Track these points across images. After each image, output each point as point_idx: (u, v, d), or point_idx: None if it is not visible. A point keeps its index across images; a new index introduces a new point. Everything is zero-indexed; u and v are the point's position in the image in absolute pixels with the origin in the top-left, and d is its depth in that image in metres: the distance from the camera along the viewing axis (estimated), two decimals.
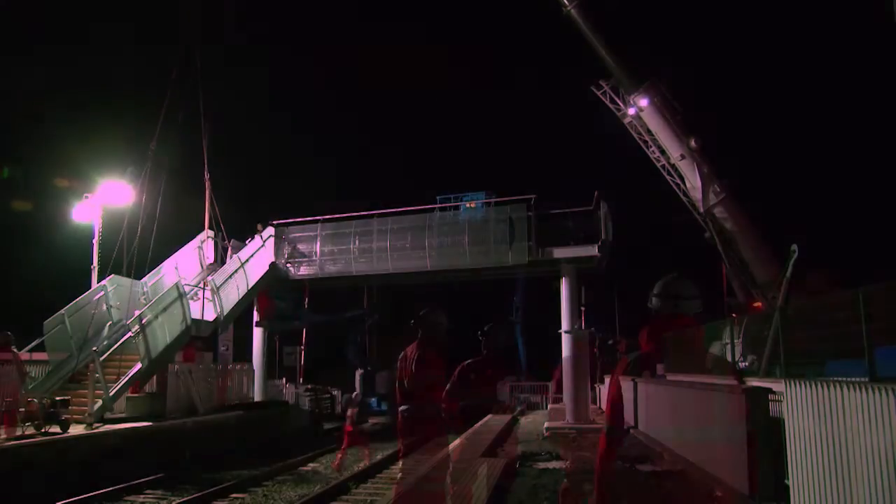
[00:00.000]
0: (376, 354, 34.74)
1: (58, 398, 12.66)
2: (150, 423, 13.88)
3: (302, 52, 74.35)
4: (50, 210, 27.22)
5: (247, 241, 22.00)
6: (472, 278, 22.89)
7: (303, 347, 30.47)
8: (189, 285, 17.90)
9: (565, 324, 19.39)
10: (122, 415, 14.85)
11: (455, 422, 6.44)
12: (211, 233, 21.26)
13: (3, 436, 11.46)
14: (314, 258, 22.08)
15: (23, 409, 12.03)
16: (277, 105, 72.82)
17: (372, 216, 21.67)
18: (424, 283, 24.76)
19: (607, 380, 24.93)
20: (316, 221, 22.28)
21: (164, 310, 15.94)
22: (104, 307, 16.97)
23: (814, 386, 6.50)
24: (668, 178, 22.20)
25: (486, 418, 21.58)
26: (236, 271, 19.80)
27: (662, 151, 21.94)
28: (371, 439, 19.55)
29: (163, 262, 19.45)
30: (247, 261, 20.54)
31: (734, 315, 18.12)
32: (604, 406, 24.67)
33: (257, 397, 21.49)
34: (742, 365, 12.75)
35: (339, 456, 14.11)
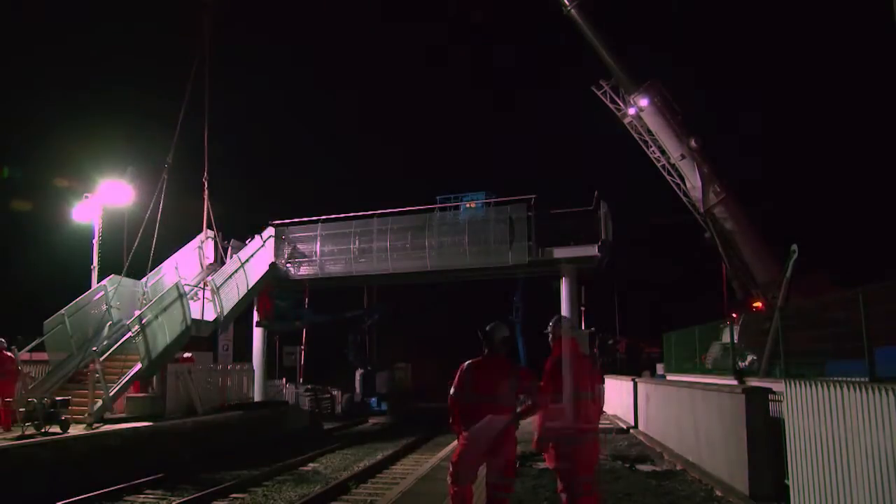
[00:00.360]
0: (376, 354, 34.75)
1: (58, 398, 12.64)
2: (150, 423, 13.87)
3: (302, 51, 74.36)
4: (50, 210, 27.26)
5: (247, 241, 22.00)
6: (472, 278, 22.91)
7: (303, 347, 30.47)
8: (189, 285, 17.89)
9: None
10: (122, 415, 14.84)
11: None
12: (211, 233, 21.25)
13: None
14: (314, 258, 22.08)
15: (22, 410, 12.03)
16: (278, 105, 72.87)
17: (372, 216, 21.68)
18: (424, 283, 24.79)
19: (608, 380, 24.96)
20: (316, 221, 22.29)
21: (164, 310, 15.93)
22: (104, 307, 16.97)
23: (814, 386, 6.50)
24: (668, 178, 22.20)
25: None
26: (236, 271, 19.79)
27: (662, 151, 21.94)
28: (371, 439, 19.58)
29: (163, 262, 19.44)
30: (247, 261, 20.54)
31: (734, 315, 18.14)
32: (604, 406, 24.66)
33: (257, 397, 21.49)
34: (742, 365, 12.77)
35: None
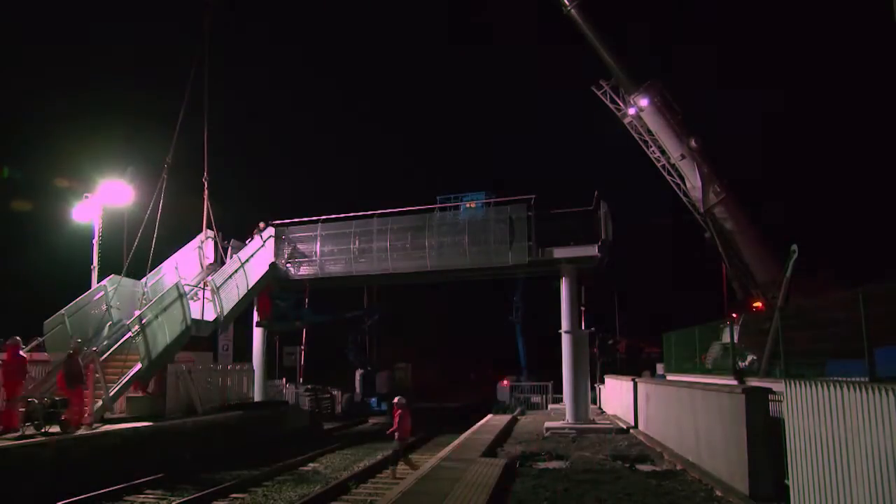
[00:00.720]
0: (376, 354, 34.76)
1: (58, 398, 12.64)
2: (150, 423, 13.87)
3: (302, 51, 74.34)
4: (50, 210, 27.26)
5: (247, 241, 21.99)
6: (472, 278, 22.89)
7: (303, 347, 30.47)
8: (189, 285, 17.88)
9: (565, 324, 19.40)
10: (122, 415, 14.84)
11: None
12: (211, 233, 21.22)
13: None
14: (314, 258, 22.07)
15: (22, 410, 12.03)
16: (278, 105, 72.86)
17: (372, 216, 21.66)
18: (424, 283, 24.77)
19: (608, 380, 24.98)
20: (316, 221, 22.27)
21: (164, 310, 15.91)
22: (104, 307, 16.96)
23: (814, 386, 6.50)
24: (668, 178, 22.21)
25: (486, 418, 21.60)
26: (236, 271, 19.77)
27: (662, 151, 21.95)
28: (371, 439, 19.58)
29: (163, 262, 19.43)
30: (247, 261, 20.52)
31: (734, 315, 18.13)
32: (604, 406, 24.68)
33: (257, 397, 21.48)
34: (742, 365, 12.77)
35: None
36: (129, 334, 15.20)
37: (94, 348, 14.72)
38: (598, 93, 22.71)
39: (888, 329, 7.35)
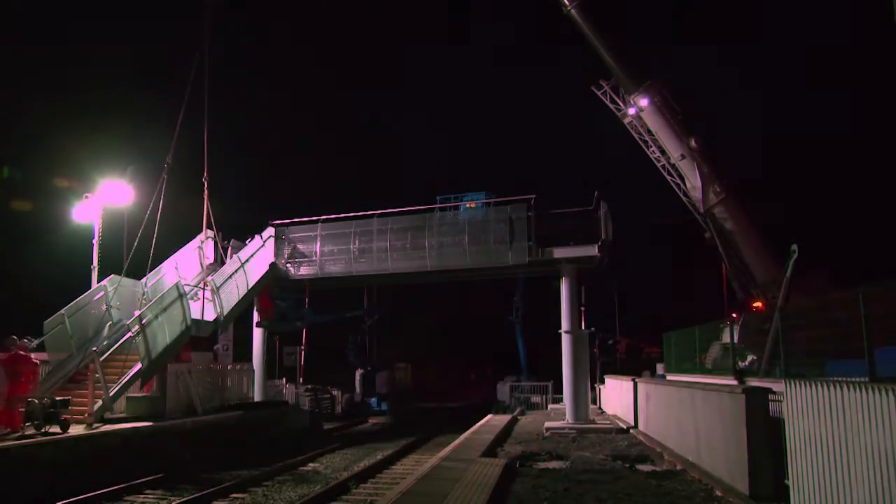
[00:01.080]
0: (376, 354, 34.77)
1: (58, 398, 12.64)
2: (150, 423, 13.87)
3: (302, 51, 74.35)
4: (50, 210, 27.26)
5: (247, 241, 22.00)
6: (472, 278, 22.89)
7: (303, 347, 30.46)
8: (189, 285, 17.88)
9: (565, 324, 19.40)
10: (122, 415, 14.84)
11: None
12: (211, 233, 21.22)
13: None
14: (314, 258, 22.07)
15: (22, 410, 12.03)
16: (278, 105, 72.87)
17: (372, 216, 21.66)
18: (424, 283, 24.76)
19: (608, 380, 24.98)
20: (316, 221, 22.28)
21: (164, 310, 15.91)
22: (104, 307, 16.96)
23: (814, 386, 6.50)
24: (668, 178, 22.21)
25: (486, 418, 21.60)
26: (236, 271, 19.77)
27: (662, 151, 21.95)
28: (371, 439, 19.59)
29: (163, 262, 19.43)
30: (247, 261, 20.52)
31: (734, 315, 18.14)
32: (604, 406, 24.69)
33: (257, 397, 21.48)
34: (742, 365, 12.77)
35: None
36: (129, 334, 15.21)
37: (94, 348, 14.72)
38: (598, 93, 22.72)
39: (888, 329, 7.36)
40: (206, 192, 20.61)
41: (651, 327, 32.11)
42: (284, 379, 27.16)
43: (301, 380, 28.87)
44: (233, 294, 19.34)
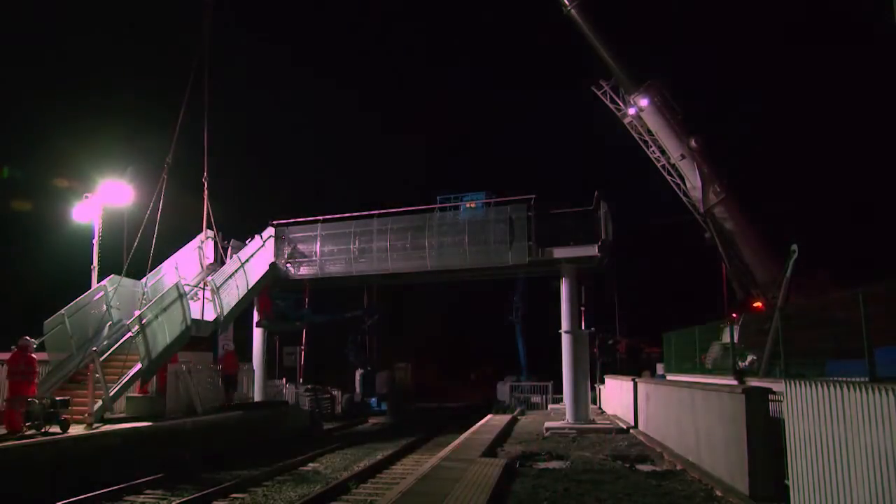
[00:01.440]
0: (376, 354, 34.78)
1: (58, 398, 12.64)
2: (150, 423, 13.86)
3: (302, 52, 74.39)
4: (50, 210, 27.26)
5: (247, 241, 22.00)
6: (472, 278, 22.90)
7: (303, 347, 30.45)
8: (189, 285, 17.88)
9: (565, 324, 19.40)
10: (122, 415, 14.84)
11: None
12: (211, 233, 21.22)
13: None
14: (314, 258, 22.07)
15: (22, 410, 12.04)
16: (278, 105, 72.87)
17: (372, 216, 21.66)
18: (424, 283, 24.77)
19: (608, 380, 24.98)
20: (316, 221, 22.28)
21: (164, 310, 15.91)
22: (104, 307, 16.95)
23: (814, 386, 6.50)
24: (668, 178, 22.23)
25: (486, 418, 21.60)
26: (236, 271, 19.77)
27: (662, 151, 21.97)
28: (371, 439, 19.59)
29: (163, 262, 19.42)
30: (247, 261, 20.52)
31: (734, 315, 18.13)
32: (604, 406, 24.69)
33: (257, 397, 21.48)
34: (742, 365, 12.76)
35: None
36: (129, 334, 15.20)
37: (94, 348, 14.72)
38: (598, 93, 22.74)
39: (888, 329, 7.35)
40: (206, 192, 20.62)
41: (651, 327, 32.10)
42: (284, 379, 27.14)
43: (301, 380, 28.85)
44: (233, 294, 19.34)
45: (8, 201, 34.60)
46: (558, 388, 23.46)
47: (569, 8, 21.78)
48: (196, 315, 17.39)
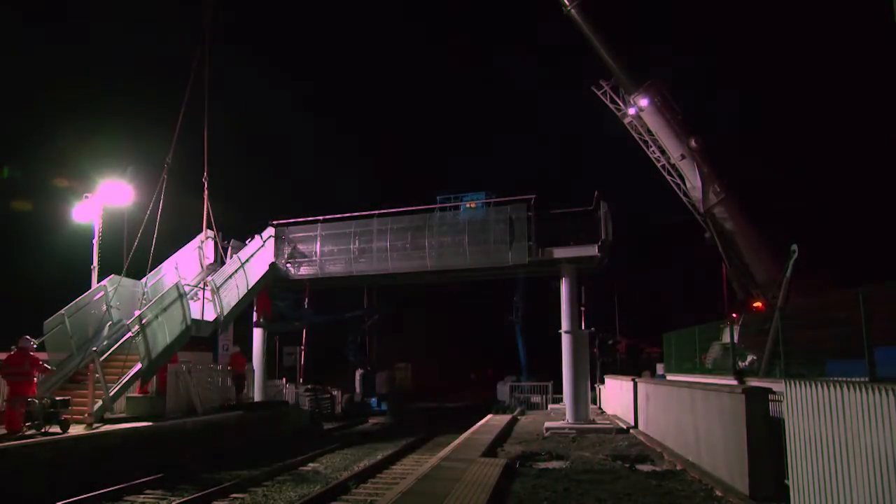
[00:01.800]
0: (376, 354, 34.79)
1: (58, 398, 12.64)
2: (150, 423, 13.86)
3: (302, 51, 74.40)
4: (50, 210, 27.25)
5: (247, 241, 21.99)
6: (472, 278, 22.90)
7: (303, 347, 30.47)
8: (189, 285, 17.88)
9: (565, 324, 19.39)
10: (122, 415, 14.84)
11: None
12: (211, 233, 21.22)
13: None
14: (314, 258, 22.07)
15: (22, 410, 12.03)
16: (279, 106, 72.89)
17: (372, 216, 21.66)
18: (424, 283, 24.77)
19: (608, 380, 24.97)
20: (316, 221, 22.28)
21: (164, 310, 15.91)
22: (104, 307, 16.95)
23: (814, 386, 6.50)
24: (668, 178, 22.22)
25: (486, 418, 21.60)
26: (236, 271, 19.77)
27: (662, 151, 21.96)
28: (371, 439, 19.58)
29: (163, 262, 19.42)
30: (247, 261, 20.52)
31: (734, 315, 18.14)
32: (604, 406, 24.69)
33: (257, 397, 21.48)
34: (742, 365, 12.76)
35: None
36: (129, 334, 15.20)
37: (94, 348, 14.72)
38: (598, 93, 22.73)
39: (888, 329, 7.36)
40: (206, 192, 20.61)
41: (651, 327, 32.13)
42: (284, 379, 27.15)
43: (301, 380, 28.87)
44: (233, 294, 19.34)
45: (8, 201, 34.62)
46: (558, 388, 23.45)
47: (569, 8, 21.77)
48: (196, 315, 17.39)
